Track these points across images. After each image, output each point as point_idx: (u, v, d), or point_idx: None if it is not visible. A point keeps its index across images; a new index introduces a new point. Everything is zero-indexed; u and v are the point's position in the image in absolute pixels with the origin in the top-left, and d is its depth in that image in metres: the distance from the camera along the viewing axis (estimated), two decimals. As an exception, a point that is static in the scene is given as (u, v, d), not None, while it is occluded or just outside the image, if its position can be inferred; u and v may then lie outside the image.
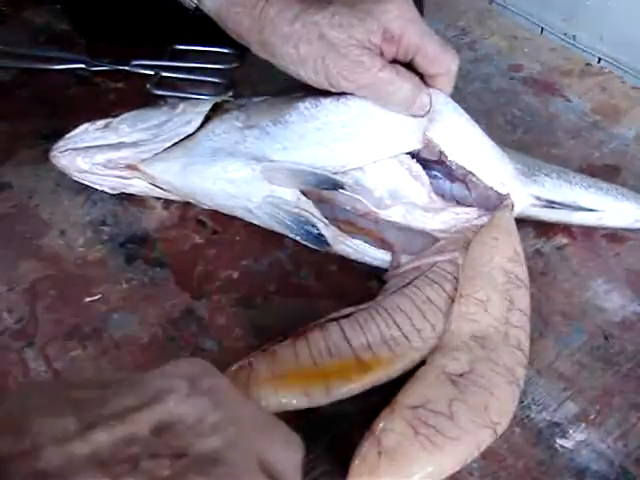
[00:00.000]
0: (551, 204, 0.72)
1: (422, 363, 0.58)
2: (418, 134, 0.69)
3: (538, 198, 0.72)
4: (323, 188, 0.68)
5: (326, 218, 0.68)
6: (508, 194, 0.69)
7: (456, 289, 0.62)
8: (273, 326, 0.61)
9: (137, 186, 0.73)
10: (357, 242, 0.68)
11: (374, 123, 0.69)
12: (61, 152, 0.72)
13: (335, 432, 0.57)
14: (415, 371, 0.57)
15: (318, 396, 0.55)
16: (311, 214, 0.68)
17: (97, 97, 0.87)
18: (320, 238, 0.68)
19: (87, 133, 0.73)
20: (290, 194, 0.69)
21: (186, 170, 0.70)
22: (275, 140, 0.69)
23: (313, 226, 0.68)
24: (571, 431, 0.58)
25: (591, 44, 1.03)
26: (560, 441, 0.57)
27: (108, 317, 0.64)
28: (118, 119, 0.73)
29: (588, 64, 0.98)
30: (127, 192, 0.75)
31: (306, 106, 0.70)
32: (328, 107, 0.70)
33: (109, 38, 0.96)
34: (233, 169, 0.69)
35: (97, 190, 0.75)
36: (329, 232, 0.68)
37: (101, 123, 0.73)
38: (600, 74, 0.96)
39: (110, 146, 0.72)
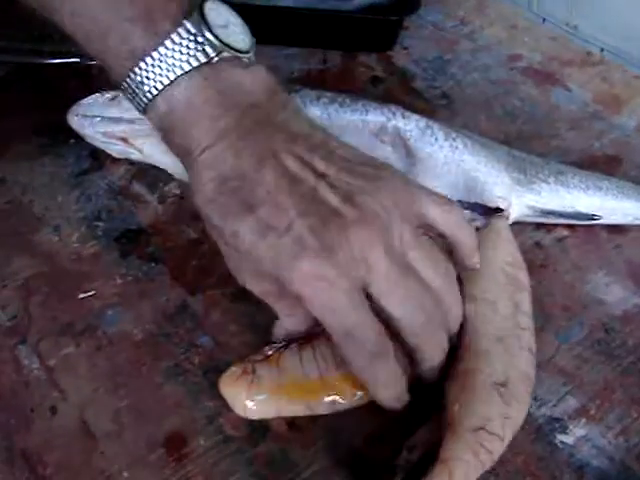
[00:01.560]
0: (546, 214, 0.71)
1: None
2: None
3: (533, 209, 0.71)
4: None
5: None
6: (504, 210, 0.69)
7: None
8: (269, 322, 0.59)
9: (138, 155, 0.76)
10: None
11: None
12: (75, 116, 0.76)
13: (333, 428, 0.56)
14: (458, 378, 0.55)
15: (321, 409, 0.55)
16: None
17: (93, 90, 0.85)
18: None
19: (96, 102, 0.76)
20: None
21: (165, 148, 0.70)
22: None
23: None
24: (571, 426, 0.57)
25: (593, 34, 1.02)
26: (560, 437, 0.56)
27: (102, 313, 0.64)
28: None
29: (589, 53, 0.97)
30: (131, 158, 0.77)
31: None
32: (314, 115, 0.70)
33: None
34: None
35: (91, 185, 0.75)
36: None
37: (109, 95, 0.76)
38: (601, 63, 0.95)
39: (111, 119, 0.75)
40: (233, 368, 0.56)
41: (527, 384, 0.55)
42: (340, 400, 0.55)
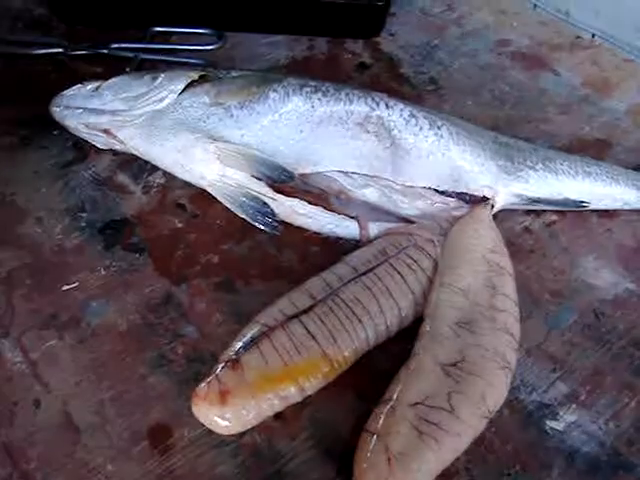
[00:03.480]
0: (534, 202, 0.71)
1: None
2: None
3: (520, 197, 0.70)
4: (273, 181, 0.68)
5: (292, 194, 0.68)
6: (490, 198, 0.69)
7: (420, 280, 0.61)
8: (254, 310, 0.58)
9: (121, 145, 0.75)
10: (315, 210, 0.68)
11: (330, 137, 0.70)
12: (57, 107, 0.76)
13: (319, 418, 0.56)
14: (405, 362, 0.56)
15: (293, 396, 0.54)
16: (262, 194, 0.68)
17: (75, 83, 0.84)
18: (270, 219, 0.68)
19: (79, 94, 0.76)
20: (242, 176, 0.69)
21: (149, 139, 0.72)
22: (236, 125, 0.70)
23: (264, 204, 0.68)
24: (561, 412, 0.57)
25: (585, 20, 1.01)
26: (550, 423, 0.56)
27: (85, 305, 0.63)
28: (105, 84, 0.76)
29: (578, 37, 0.97)
30: (114, 149, 0.77)
31: (274, 98, 0.70)
32: (297, 105, 0.70)
33: (88, 22, 0.94)
34: (189, 144, 0.70)
35: (75, 176, 0.74)
36: (283, 209, 0.68)
37: (92, 86, 0.77)
38: (591, 47, 0.95)
39: (93, 110, 0.75)
40: (200, 386, 0.54)
41: (496, 362, 0.55)
42: (308, 382, 0.54)
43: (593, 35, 0.98)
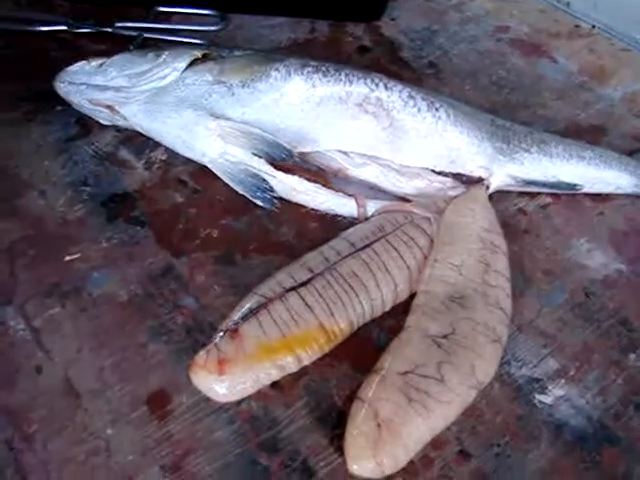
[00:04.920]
0: (528, 184, 0.72)
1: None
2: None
3: (515, 178, 0.72)
4: (273, 159, 0.69)
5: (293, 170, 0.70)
6: (485, 179, 0.71)
7: (415, 256, 0.62)
8: (252, 283, 0.60)
9: (124, 122, 0.76)
10: (313, 187, 0.69)
11: (329, 117, 0.71)
12: (62, 83, 0.77)
13: (314, 388, 0.57)
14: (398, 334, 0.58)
15: (290, 366, 0.56)
16: (262, 171, 0.70)
17: (79, 59, 0.85)
18: (269, 195, 0.69)
19: (83, 70, 0.78)
20: (243, 153, 0.70)
21: (151, 115, 0.73)
22: (238, 103, 0.71)
23: (264, 181, 0.69)
24: (550, 387, 0.58)
25: (585, 10, 1.02)
26: (539, 397, 0.57)
27: (88, 275, 0.64)
28: (109, 61, 0.78)
29: (577, 26, 0.98)
30: (117, 125, 0.78)
31: (276, 77, 0.71)
32: (298, 84, 0.71)
33: (92, 0, 0.95)
34: (191, 122, 0.71)
35: (78, 151, 0.75)
36: (282, 186, 0.70)
37: (96, 63, 0.78)
38: (589, 35, 0.96)
39: (97, 86, 0.76)
40: (199, 354, 0.55)
41: (487, 336, 0.57)
42: (304, 353, 0.56)
43: (593, 26, 0.99)
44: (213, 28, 0.93)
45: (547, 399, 0.57)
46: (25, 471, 0.52)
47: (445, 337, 0.56)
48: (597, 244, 0.69)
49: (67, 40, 0.90)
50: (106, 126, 0.78)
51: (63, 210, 0.70)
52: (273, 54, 0.77)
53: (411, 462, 0.52)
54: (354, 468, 0.50)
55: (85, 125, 0.78)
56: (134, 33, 0.90)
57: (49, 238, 0.67)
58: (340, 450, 0.52)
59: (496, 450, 0.54)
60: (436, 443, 0.53)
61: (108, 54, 0.79)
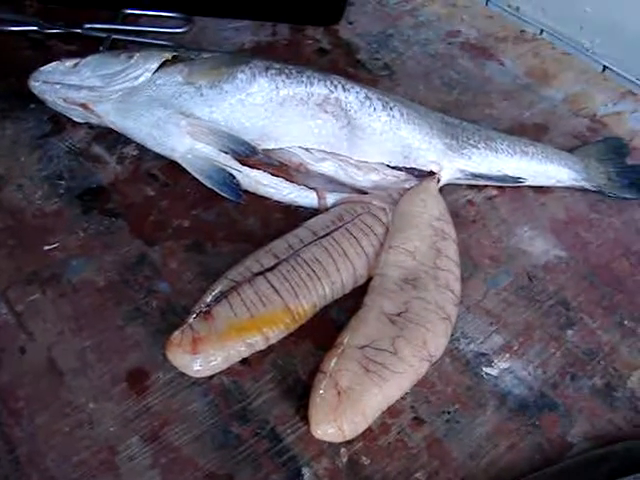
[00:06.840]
0: (476, 177, 0.78)
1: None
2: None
3: (464, 172, 0.77)
4: (239, 155, 0.74)
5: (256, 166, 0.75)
6: (436, 172, 0.76)
7: (373, 243, 0.68)
8: (221, 269, 0.64)
9: (98, 119, 0.80)
10: (277, 181, 0.74)
11: (292, 116, 0.75)
12: (36, 82, 0.80)
13: (280, 363, 0.62)
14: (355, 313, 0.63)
15: (258, 344, 0.61)
16: (229, 166, 0.74)
17: (50, 60, 0.89)
18: (236, 188, 0.74)
19: (57, 70, 0.81)
20: (210, 149, 0.75)
21: (124, 113, 0.77)
22: (206, 103, 0.75)
23: (231, 175, 0.74)
24: (496, 360, 0.64)
25: (533, 15, 1.07)
26: (486, 369, 0.63)
27: (66, 263, 0.68)
28: (83, 61, 0.81)
29: (523, 31, 1.03)
30: (90, 122, 0.81)
31: (242, 79, 0.76)
32: (262, 86, 0.75)
33: (61, 1, 0.99)
34: (161, 120, 0.75)
35: (53, 147, 0.79)
36: (248, 180, 0.74)
37: (70, 63, 0.81)
38: (533, 40, 1.02)
39: (71, 86, 0.79)
40: (175, 333, 0.60)
41: (437, 314, 0.62)
42: (271, 332, 0.61)
43: (542, 31, 1.05)
44: (179, 30, 0.97)
45: (493, 371, 0.63)
46: (14, 444, 0.56)
47: (399, 315, 0.61)
48: (539, 232, 0.75)
49: (38, 40, 0.94)
50: (79, 123, 0.81)
51: (40, 203, 0.73)
52: (239, 56, 0.82)
53: (370, 429, 0.57)
54: (317, 433, 0.55)
55: (58, 122, 0.82)
56: (103, 34, 0.94)
57: (28, 229, 0.71)
58: (305, 419, 0.57)
59: (447, 417, 0.59)
60: (393, 411, 0.59)
61: (78, 54, 0.82)
